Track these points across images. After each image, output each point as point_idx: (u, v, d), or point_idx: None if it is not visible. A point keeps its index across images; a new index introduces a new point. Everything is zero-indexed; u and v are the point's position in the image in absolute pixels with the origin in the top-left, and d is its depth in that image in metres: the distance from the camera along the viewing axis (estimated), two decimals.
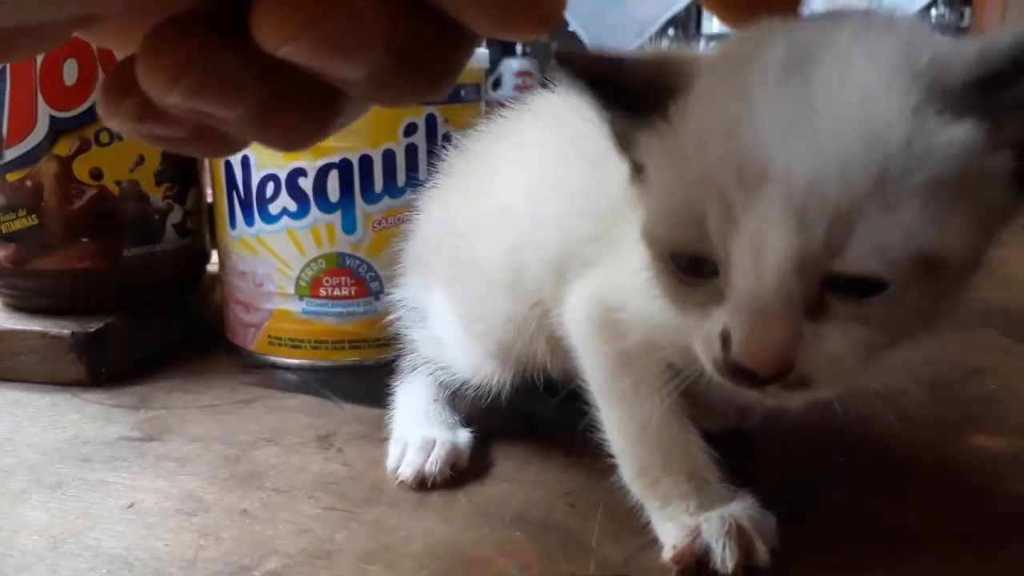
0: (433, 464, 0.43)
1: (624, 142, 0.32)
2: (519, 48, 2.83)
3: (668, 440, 0.38)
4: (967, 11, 2.65)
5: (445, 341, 0.48)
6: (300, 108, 0.22)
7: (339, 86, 0.21)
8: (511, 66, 2.64)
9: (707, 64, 0.29)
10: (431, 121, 0.56)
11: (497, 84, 2.61)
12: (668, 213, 0.29)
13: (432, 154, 0.56)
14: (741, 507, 0.37)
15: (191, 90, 0.19)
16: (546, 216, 0.41)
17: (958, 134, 0.25)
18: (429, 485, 0.42)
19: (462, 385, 0.48)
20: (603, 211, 0.38)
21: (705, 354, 0.30)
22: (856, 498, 0.42)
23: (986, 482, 0.43)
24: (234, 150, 0.26)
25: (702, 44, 2.72)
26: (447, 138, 0.57)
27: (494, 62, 2.74)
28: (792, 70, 0.26)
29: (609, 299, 0.37)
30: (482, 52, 0.61)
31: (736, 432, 0.45)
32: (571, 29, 2.69)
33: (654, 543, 0.37)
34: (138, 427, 0.50)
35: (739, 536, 0.36)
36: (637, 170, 0.32)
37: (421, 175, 0.56)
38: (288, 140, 0.23)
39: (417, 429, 0.45)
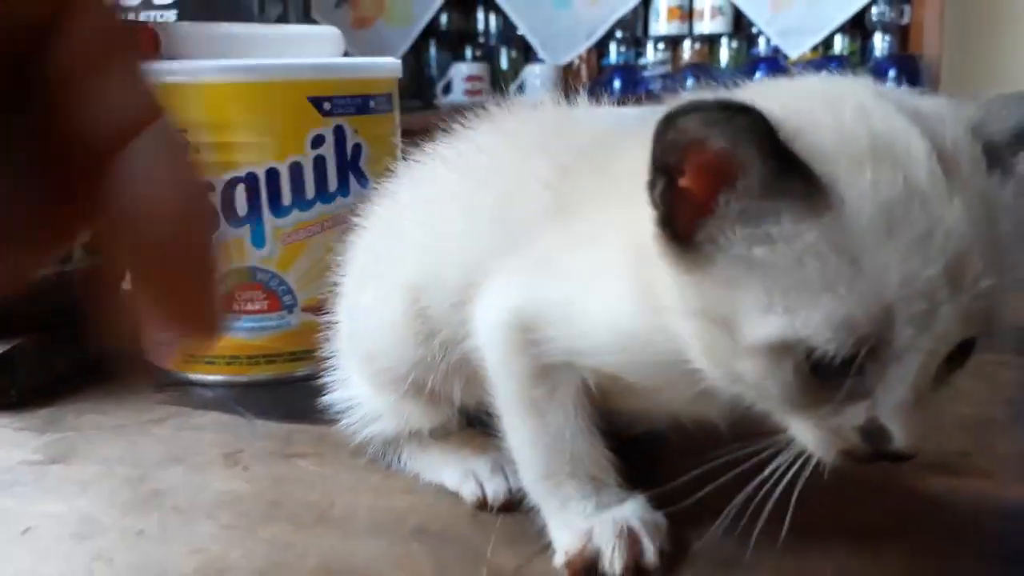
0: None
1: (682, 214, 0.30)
2: (469, 53, 2.83)
3: (578, 446, 0.38)
4: (907, 8, 2.70)
5: (358, 400, 0.47)
6: None
7: None
8: (461, 71, 2.63)
9: (832, 148, 0.29)
10: (339, 132, 0.56)
11: (447, 89, 2.61)
12: (834, 313, 0.28)
13: (342, 166, 0.56)
14: (632, 509, 0.37)
15: None
16: (446, 242, 0.41)
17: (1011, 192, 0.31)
18: None
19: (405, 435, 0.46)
20: (510, 226, 0.38)
21: (826, 445, 0.31)
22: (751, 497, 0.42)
23: (881, 478, 0.44)
24: None
25: (650, 46, 2.74)
26: (357, 149, 0.57)
27: (444, 67, 2.73)
28: (945, 167, 0.29)
29: (530, 320, 0.37)
30: (393, 62, 0.61)
31: (645, 437, 0.45)
32: (520, 33, 2.70)
33: (548, 548, 0.38)
34: (42, 450, 0.49)
35: (629, 538, 0.36)
36: (681, 244, 0.31)
37: (330, 187, 0.56)
38: None
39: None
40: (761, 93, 0.33)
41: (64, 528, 0.41)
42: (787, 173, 0.28)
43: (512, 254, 0.38)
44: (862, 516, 0.40)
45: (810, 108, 0.31)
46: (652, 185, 0.30)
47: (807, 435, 0.32)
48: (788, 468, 0.33)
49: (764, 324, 0.29)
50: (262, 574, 0.37)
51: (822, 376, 0.30)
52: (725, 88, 0.34)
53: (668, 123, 0.28)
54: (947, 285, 0.28)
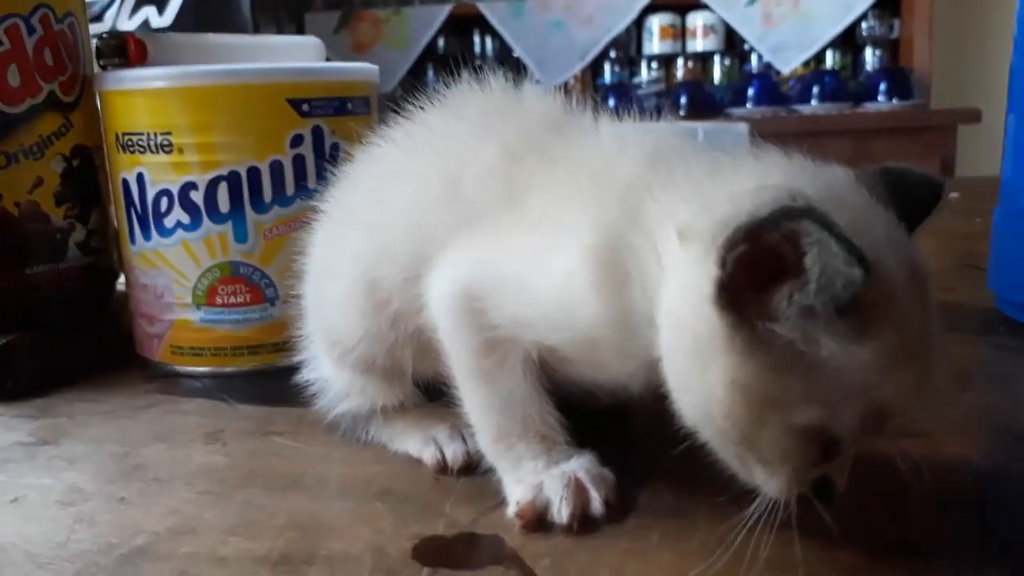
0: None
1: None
2: (466, 76, 2.88)
3: (528, 410, 0.41)
4: (896, 23, 2.74)
5: (327, 381, 0.49)
6: None
7: None
8: None
9: (882, 280, 0.31)
10: (317, 133, 0.59)
11: None
12: (862, 412, 0.32)
13: (320, 164, 0.59)
14: (580, 463, 0.40)
15: None
16: (396, 218, 0.43)
17: None
18: None
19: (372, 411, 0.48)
20: (459, 205, 0.41)
21: (785, 490, 0.35)
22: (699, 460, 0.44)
23: None
24: None
25: (643, 65, 2.78)
26: (335, 148, 0.60)
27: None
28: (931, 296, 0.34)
29: (478, 290, 0.39)
30: (370, 67, 0.64)
31: (607, 409, 0.47)
32: (516, 55, 2.74)
33: (503, 503, 0.40)
34: (34, 433, 0.52)
35: (576, 489, 0.39)
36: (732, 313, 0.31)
37: (310, 184, 0.59)
38: None
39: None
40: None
41: (51, 496, 0.43)
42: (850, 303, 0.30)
43: (461, 230, 0.41)
44: None
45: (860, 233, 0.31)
46: (727, 247, 0.30)
47: (772, 482, 0.35)
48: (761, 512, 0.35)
49: (805, 412, 0.32)
50: (233, 530, 0.39)
51: (827, 451, 0.34)
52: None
53: (777, 214, 0.29)
54: (925, 390, 0.34)
